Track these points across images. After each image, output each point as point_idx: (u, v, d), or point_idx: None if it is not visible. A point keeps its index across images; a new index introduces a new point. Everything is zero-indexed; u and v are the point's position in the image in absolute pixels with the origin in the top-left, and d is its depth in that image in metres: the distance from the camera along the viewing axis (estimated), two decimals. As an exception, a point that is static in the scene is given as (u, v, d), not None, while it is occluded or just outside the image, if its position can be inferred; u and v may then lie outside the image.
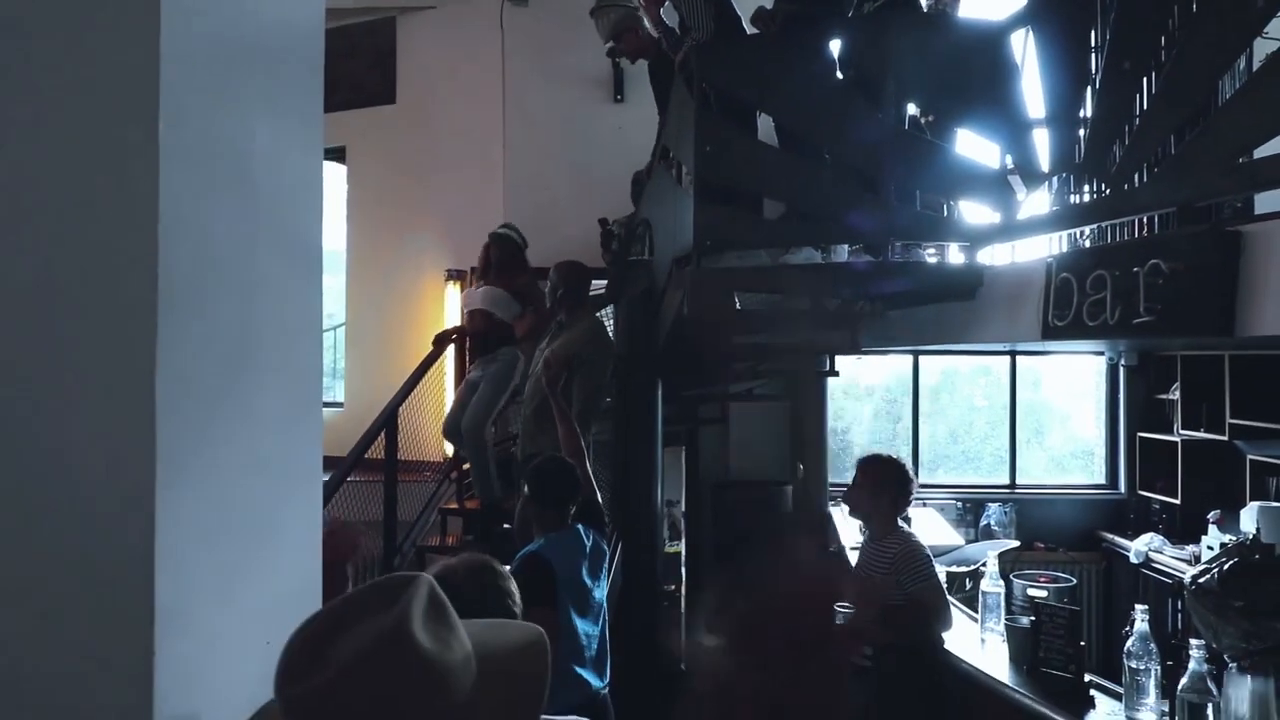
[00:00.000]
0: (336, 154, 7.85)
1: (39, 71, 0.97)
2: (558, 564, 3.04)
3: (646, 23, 5.28)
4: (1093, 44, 3.82)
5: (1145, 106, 3.42)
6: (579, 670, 3.09)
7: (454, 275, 7.09)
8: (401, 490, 5.29)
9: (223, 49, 1.11)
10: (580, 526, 3.26)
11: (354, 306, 7.71)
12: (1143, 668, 2.86)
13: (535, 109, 7.05)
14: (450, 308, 7.07)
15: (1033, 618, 3.39)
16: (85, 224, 0.96)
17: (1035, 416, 7.91)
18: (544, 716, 1.42)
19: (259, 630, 0.99)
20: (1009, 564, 6.16)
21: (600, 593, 3.28)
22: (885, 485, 3.73)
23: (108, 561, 0.94)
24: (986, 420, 7.82)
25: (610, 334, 5.04)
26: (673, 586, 7.01)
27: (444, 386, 6.45)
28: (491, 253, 5.43)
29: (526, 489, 3.27)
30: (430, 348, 5.96)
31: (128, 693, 0.94)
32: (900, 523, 3.81)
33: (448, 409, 6.36)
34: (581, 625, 3.12)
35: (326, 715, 0.88)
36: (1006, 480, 7.60)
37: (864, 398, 7.94)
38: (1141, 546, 6.34)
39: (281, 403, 1.26)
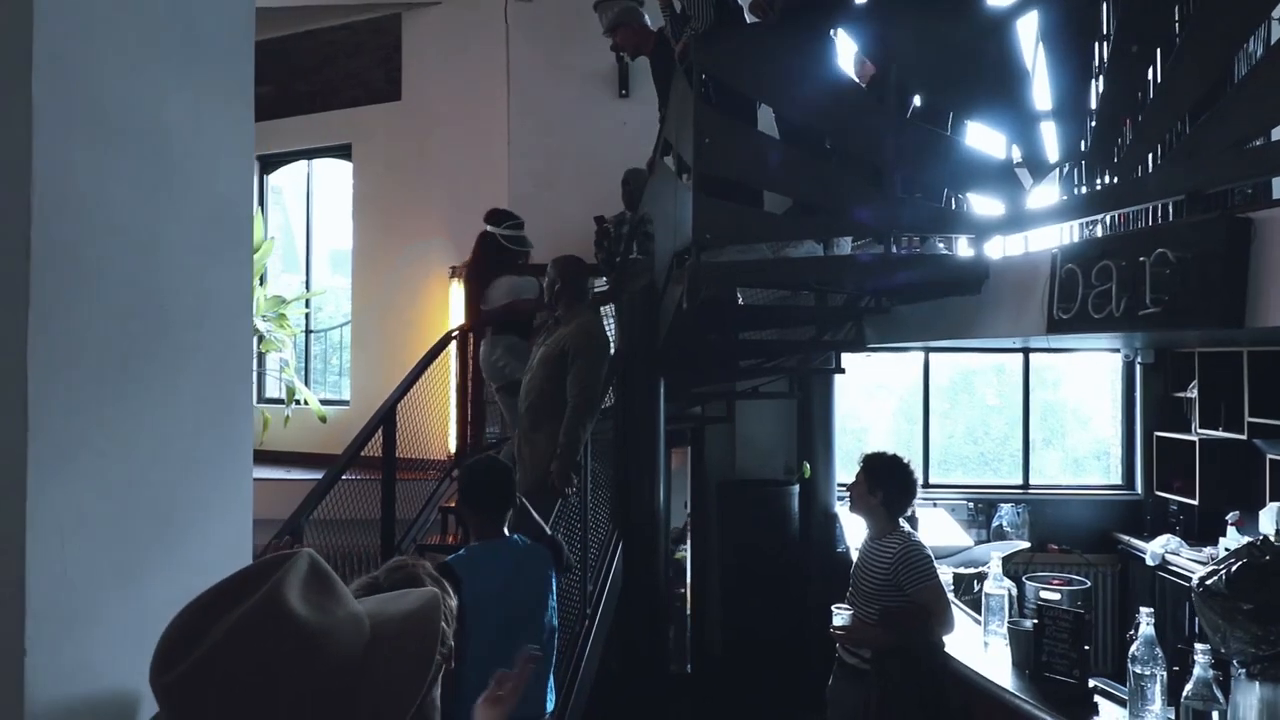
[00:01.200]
0: (343, 151, 7.83)
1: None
2: (470, 579, 2.75)
3: (647, 17, 5.22)
4: (1100, 29, 3.72)
5: (1154, 91, 3.31)
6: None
7: (458, 272, 7.03)
8: (403, 489, 5.22)
9: (128, 6, 1.03)
10: (518, 538, 3.03)
11: (359, 304, 7.66)
12: (1148, 673, 2.74)
13: (540, 104, 6.99)
14: (455, 304, 7.01)
15: (1035, 621, 3.28)
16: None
17: (1051, 416, 7.78)
18: None
19: (163, 624, 0.90)
20: (1022, 566, 6.05)
21: (537, 613, 2.99)
22: (884, 482, 3.63)
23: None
24: (1005, 421, 7.69)
25: (608, 329, 4.95)
26: (682, 589, 6.95)
27: (448, 385, 6.39)
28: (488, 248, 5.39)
29: (460, 494, 3.10)
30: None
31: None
32: (902, 522, 3.71)
33: (454, 407, 6.33)
34: (499, 645, 2.73)
35: (202, 698, 0.84)
36: (1019, 481, 7.46)
37: (882, 398, 7.84)
38: (1158, 548, 6.19)
39: (200, 385, 1.18)
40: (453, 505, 5.76)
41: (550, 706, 3.07)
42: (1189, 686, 2.51)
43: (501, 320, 5.31)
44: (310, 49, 7.87)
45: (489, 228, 5.44)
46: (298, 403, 7.30)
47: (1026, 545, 6.37)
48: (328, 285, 8.24)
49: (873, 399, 7.83)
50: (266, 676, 0.86)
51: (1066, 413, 7.86)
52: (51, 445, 0.89)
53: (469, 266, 5.60)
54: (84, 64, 0.95)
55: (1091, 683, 3.12)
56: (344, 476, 4.75)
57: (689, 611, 6.94)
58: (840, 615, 3.64)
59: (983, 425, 7.83)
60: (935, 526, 6.10)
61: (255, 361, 7.81)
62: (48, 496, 0.89)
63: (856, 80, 4.66)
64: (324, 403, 7.51)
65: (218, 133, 1.22)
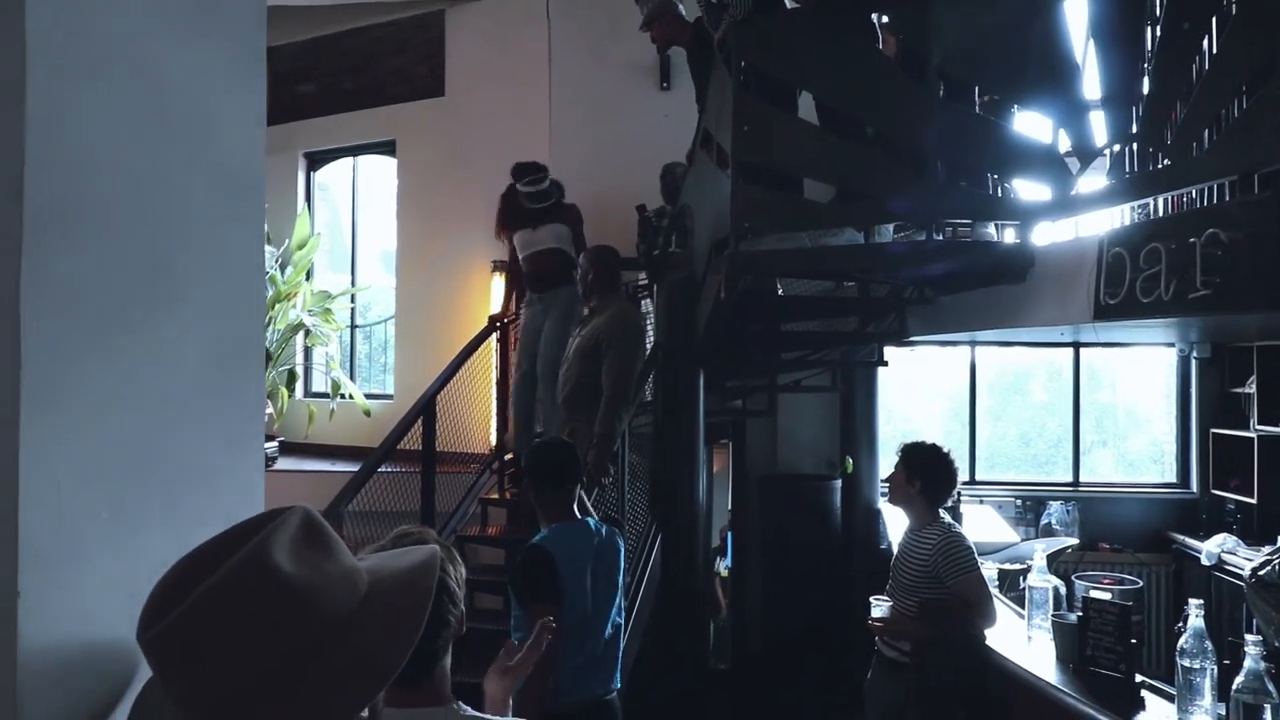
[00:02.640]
0: (387, 148, 7.90)
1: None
2: (560, 557, 2.88)
3: (683, 8, 5.19)
4: (1150, 9, 3.61)
5: (1205, 69, 3.20)
6: (586, 661, 2.94)
7: (500, 266, 7.06)
8: (444, 481, 5.25)
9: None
10: (591, 520, 3.11)
11: (403, 299, 7.73)
12: (1197, 666, 2.65)
13: (581, 97, 6.99)
14: (497, 298, 7.04)
15: (1080, 614, 3.19)
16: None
17: (1107, 419, 7.61)
18: None
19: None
20: (1071, 565, 5.91)
21: (612, 593, 3.09)
22: (922, 471, 3.56)
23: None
24: (1058, 424, 7.52)
25: (643, 319, 4.93)
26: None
27: (489, 380, 6.42)
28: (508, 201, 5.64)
29: (527, 475, 3.14)
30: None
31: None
32: (942, 514, 3.63)
33: (495, 400, 6.35)
34: (588, 623, 2.96)
35: (185, 652, 0.83)
36: (1069, 478, 7.30)
37: (931, 399, 7.73)
38: (1214, 548, 6.01)
39: (208, 345, 1.18)
40: (493, 497, 5.79)
41: (616, 685, 3.10)
42: (1239, 679, 2.42)
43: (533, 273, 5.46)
44: (355, 47, 7.96)
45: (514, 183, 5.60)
46: (343, 397, 7.38)
47: (1074, 542, 6.22)
48: (374, 283, 8.32)
49: (921, 400, 7.72)
50: (249, 631, 0.85)
51: (1121, 414, 7.68)
52: (45, 391, 0.89)
53: (496, 222, 5.78)
54: (82, 10, 0.95)
55: (1138, 678, 3.03)
56: (386, 469, 4.79)
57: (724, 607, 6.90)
58: (879, 607, 3.57)
59: (1035, 428, 7.68)
60: (980, 522, 5.99)
61: (302, 356, 7.93)
62: (41, 440, 0.89)
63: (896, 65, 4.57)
64: (369, 397, 7.59)
65: (227, 85, 1.21)
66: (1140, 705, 2.90)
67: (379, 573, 0.97)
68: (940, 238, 3.93)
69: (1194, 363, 7.06)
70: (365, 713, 0.97)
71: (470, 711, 1.55)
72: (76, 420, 0.94)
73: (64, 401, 0.92)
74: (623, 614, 3.20)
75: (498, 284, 7.10)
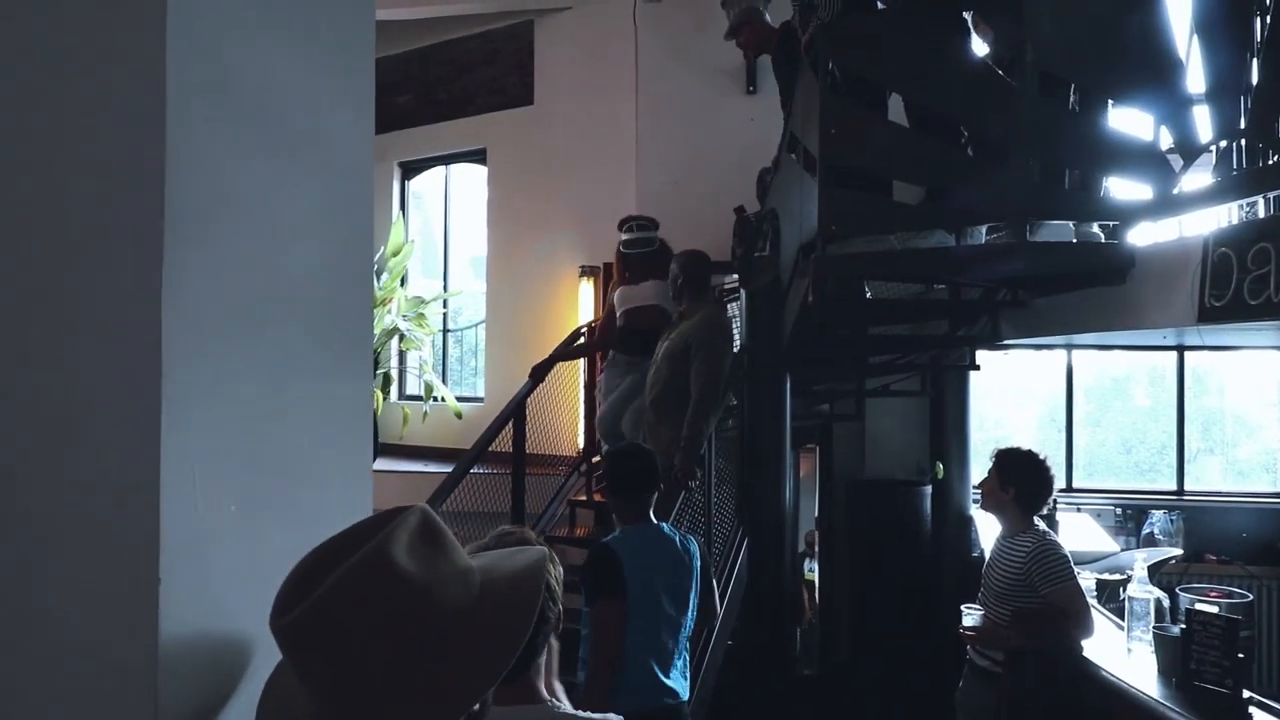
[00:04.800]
0: (478, 156, 8.08)
1: None
2: (625, 555, 2.94)
3: (769, 16, 5.20)
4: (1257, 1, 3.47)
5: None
6: (654, 665, 2.95)
7: (587, 271, 7.15)
8: (533, 483, 5.36)
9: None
10: (666, 525, 3.15)
11: (493, 304, 7.89)
12: (1309, 683, 2.54)
13: (668, 103, 7.04)
14: (585, 303, 7.14)
15: (1184, 626, 3.09)
16: (89, 143, 0.97)
17: (1214, 425, 7.31)
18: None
19: (283, 570, 0.97)
20: (1175, 576, 5.70)
21: (685, 599, 3.09)
22: (1016, 477, 3.49)
23: (111, 486, 0.95)
24: (1161, 430, 7.26)
25: (730, 323, 4.94)
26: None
27: (577, 383, 6.52)
28: (637, 257, 5.24)
29: (604, 480, 3.20)
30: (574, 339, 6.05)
31: (132, 613, 0.94)
32: (1037, 521, 3.55)
33: (583, 404, 6.44)
34: (656, 627, 2.98)
35: (314, 642, 0.89)
36: (1173, 486, 7.03)
37: (1028, 404, 7.55)
38: (1330, 561, 5.72)
39: (321, 348, 1.25)
40: (580, 499, 5.87)
41: (685, 696, 3.12)
42: (1355, 697, 2.32)
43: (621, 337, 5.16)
44: (448, 59, 8.17)
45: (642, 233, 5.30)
46: (436, 400, 7.58)
47: (1178, 553, 5.99)
48: (465, 289, 8.52)
49: (1015, 405, 7.54)
50: (371, 625, 0.91)
51: (1230, 420, 7.37)
52: (182, 394, 0.96)
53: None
54: (210, 35, 1.02)
55: (1246, 694, 2.92)
56: (476, 470, 4.91)
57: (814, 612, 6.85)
58: (970, 615, 3.52)
59: (1137, 435, 7.43)
60: (1078, 531, 5.82)
61: (396, 359, 8.16)
62: (179, 435, 0.96)
63: (989, 63, 4.49)
64: (460, 400, 7.77)
65: (336, 101, 1.28)
66: (1248, 721, 2.80)
67: (491, 572, 1.03)
68: (1035, 238, 3.85)
69: (1309, 367, 6.74)
70: (477, 706, 1.02)
71: (567, 708, 1.60)
72: (207, 420, 1.01)
73: (197, 403, 0.99)
74: (691, 625, 3.18)
75: (585, 289, 7.21)
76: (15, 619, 0.96)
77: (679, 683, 3.07)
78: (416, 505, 1.01)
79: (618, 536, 3.04)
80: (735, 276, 5.73)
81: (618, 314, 5.20)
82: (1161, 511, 6.71)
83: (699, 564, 3.18)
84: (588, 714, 1.63)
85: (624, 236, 5.25)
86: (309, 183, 1.21)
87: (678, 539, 3.14)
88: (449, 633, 0.94)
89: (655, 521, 3.13)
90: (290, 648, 0.92)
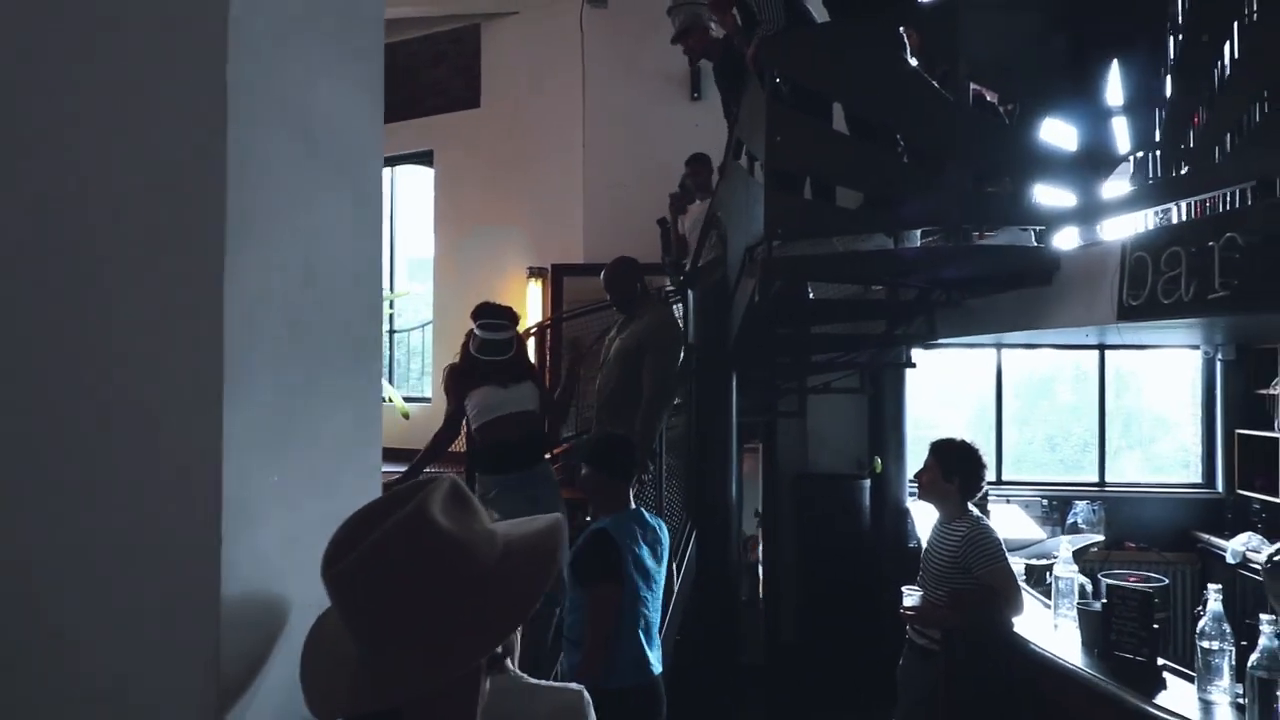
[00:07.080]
0: (425, 158, 8.13)
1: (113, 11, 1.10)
2: (622, 541, 3.10)
3: (714, 24, 5.36)
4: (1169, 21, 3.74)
5: (1224, 77, 3.34)
6: (645, 646, 3.14)
7: (535, 272, 7.27)
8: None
9: (287, 6, 1.22)
10: (643, 510, 3.32)
11: (440, 306, 7.94)
12: (1216, 648, 2.79)
13: (614, 108, 7.18)
14: (533, 304, 7.24)
15: (1104, 601, 3.33)
16: (157, 155, 1.08)
17: (1133, 424, 7.71)
18: None
19: (321, 535, 1.09)
20: (1097, 563, 6.02)
21: (660, 577, 3.30)
22: (959, 468, 3.71)
23: (175, 462, 1.07)
24: (1084, 428, 7.62)
25: (680, 324, 5.09)
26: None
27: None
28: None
29: (590, 462, 3.33)
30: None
31: (197, 570, 1.06)
32: (971, 507, 3.78)
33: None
34: (642, 607, 3.16)
35: (364, 588, 1.01)
36: (1096, 478, 7.40)
37: (958, 404, 7.85)
38: (1239, 546, 6.11)
39: (344, 339, 1.37)
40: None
41: (658, 669, 3.28)
42: (1254, 656, 2.56)
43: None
44: (393, 60, 8.17)
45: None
46: (384, 400, 7.60)
47: (1100, 539, 6.33)
48: (410, 290, 8.55)
49: (946, 405, 7.84)
50: (413, 575, 1.02)
51: (1148, 417, 7.77)
52: (239, 378, 1.09)
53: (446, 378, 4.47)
54: (262, 58, 1.14)
55: (1160, 661, 3.16)
56: (429, 470, 4.97)
57: (762, 603, 7.05)
58: (910, 596, 3.72)
59: (1062, 432, 7.77)
60: (1007, 520, 6.10)
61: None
62: (237, 419, 1.08)
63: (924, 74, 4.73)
64: (407, 399, 7.81)
65: (357, 125, 1.41)
66: (1162, 685, 3.03)
67: (511, 534, 1.15)
68: (968, 242, 4.09)
69: (1219, 365, 7.16)
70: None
71: (528, 679, 1.72)
72: (258, 402, 1.13)
73: (249, 386, 1.11)
74: (660, 602, 3.38)
75: (534, 290, 7.31)
76: (99, 574, 1.07)
77: (657, 657, 3.25)
78: (446, 475, 1.14)
79: (611, 523, 3.17)
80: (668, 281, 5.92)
81: (476, 427, 4.21)
82: (1084, 502, 7.06)
83: (668, 544, 3.38)
84: (549, 683, 1.74)
85: (478, 333, 4.21)
86: (339, 188, 1.34)
87: (654, 520, 3.32)
88: (481, 581, 1.06)
89: (635, 506, 3.29)
90: (338, 595, 1.04)
